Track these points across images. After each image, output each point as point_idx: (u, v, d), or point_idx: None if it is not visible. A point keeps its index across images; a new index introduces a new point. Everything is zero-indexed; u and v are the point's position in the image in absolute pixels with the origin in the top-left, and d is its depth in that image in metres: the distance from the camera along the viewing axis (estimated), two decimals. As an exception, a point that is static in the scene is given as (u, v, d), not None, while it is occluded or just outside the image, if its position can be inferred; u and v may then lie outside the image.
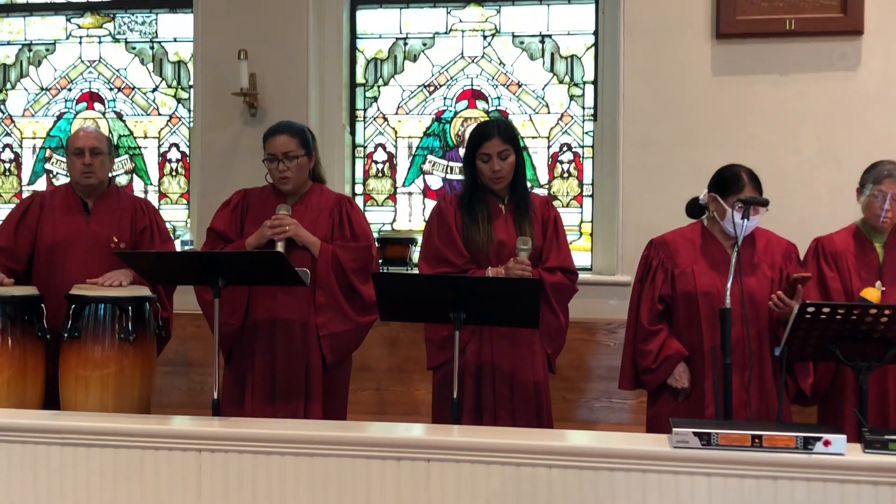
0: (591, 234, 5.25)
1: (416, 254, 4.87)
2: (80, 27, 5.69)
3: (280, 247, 3.48)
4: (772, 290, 3.33)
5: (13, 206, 5.68)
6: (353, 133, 5.45)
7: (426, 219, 3.76)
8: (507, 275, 3.42)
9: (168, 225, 5.51)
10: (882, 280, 3.42)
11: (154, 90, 5.63)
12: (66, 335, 3.53)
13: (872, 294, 3.29)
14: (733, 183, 3.34)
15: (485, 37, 5.37)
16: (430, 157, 5.41)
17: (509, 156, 3.52)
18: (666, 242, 3.48)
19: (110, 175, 4.06)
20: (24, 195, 5.69)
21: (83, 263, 3.77)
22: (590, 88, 5.27)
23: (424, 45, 5.42)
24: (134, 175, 5.64)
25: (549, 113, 5.32)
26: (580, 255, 5.25)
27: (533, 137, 5.33)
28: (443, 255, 3.52)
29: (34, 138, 5.74)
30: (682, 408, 3.38)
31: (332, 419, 3.53)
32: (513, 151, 3.53)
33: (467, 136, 3.69)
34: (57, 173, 5.68)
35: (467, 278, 3.36)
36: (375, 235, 5.00)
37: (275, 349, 3.57)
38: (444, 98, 5.40)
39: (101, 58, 5.66)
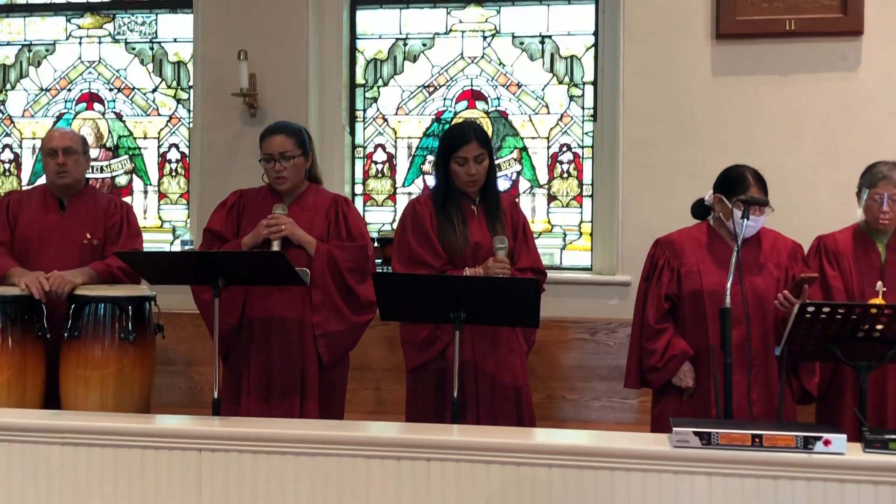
0: (591, 234, 5.25)
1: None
2: (79, 27, 5.69)
3: (276, 246, 3.48)
4: (778, 289, 3.33)
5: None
6: (352, 133, 5.45)
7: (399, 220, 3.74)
8: (486, 274, 3.43)
9: (168, 225, 5.55)
10: (883, 280, 3.41)
11: (154, 91, 5.63)
12: (66, 335, 3.53)
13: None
14: (738, 183, 3.34)
15: (485, 37, 5.37)
16: (429, 157, 5.41)
17: (484, 159, 3.54)
18: (672, 242, 3.48)
19: (91, 175, 4.05)
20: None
21: (56, 261, 3.76)
22: (590, 89, 5.27)
23: (424, 45, 5.42)
24: (134, 175, 5.64)
25: (548, 113, 5.32)
26: (580, 255, 5.27)
27: (533, 138, 5.33)
28: (419, 256, 3.52)
29: (34, 138, 5.73)
30: (687, 407, 3.38)
31: (329, 418, 3.53)
32: (487, 155, 3.56)
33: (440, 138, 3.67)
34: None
35: (469, 278, 3.36)
36: (375, 235, 5.02)
37: (271, 348, 3.57)
38: (444, 98, 5.40)
39: (100, 58, 5.66)
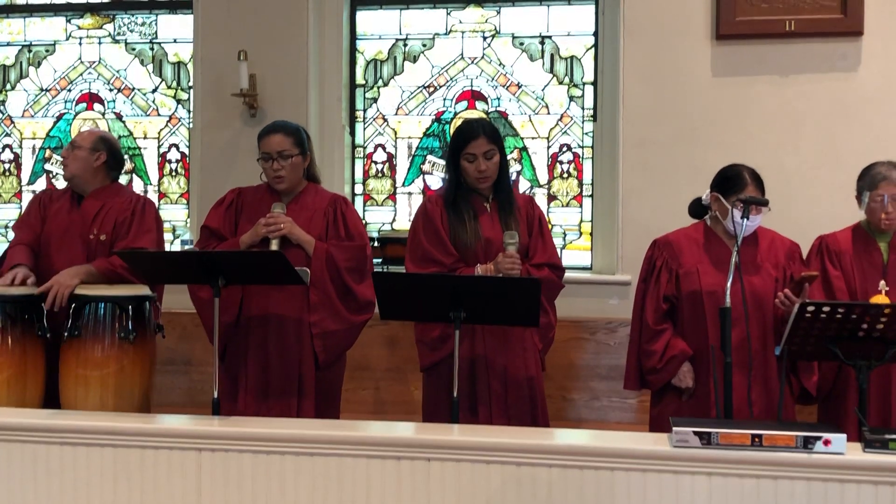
0: (591, 234, 5.25)
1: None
2: (79, 28, 5.69)
3: (274, 245, 3.48)
4: (776, 289, 3.32)
5: (13, 206, 5.74)
6: (352, 133, 5.45)
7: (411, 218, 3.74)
8: (496, 269, 3.42)
9: (168, 224, 5.55)
10: (886, 280, 3.41)
11: (154, 91, 5.63)
12: (66, 334, 3.53)
13: (883, 302, 3.27)
14: (735, 182, 3.34)
15: (484, 38, 5.37)
16: (429, 157, 5.41)
17: (494, 155, 3.53)
18: (670, 242, 3.48)
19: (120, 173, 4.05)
20: (24, 195, 5.71)
21: (67, 258, 3.74)
22: (589, 89, 5.27)
23: (424, 45, 5.42)
24: (134, 175, 5.64)
25: (548, 113, 5.32)
26: (580, 255, 5.27)
27: (533, 138, 5.33)
28: (430, 254, 3.52)
29: (34, 139, 5.74)
30: (686, 407, 3.37)
31: (325, 418, 3.52)
32: (497, 151, 3.54)
33: (451, 134, 3.67)
34: (57, 174, 5.68)
35: (468, 277, 3.36)
36: (375, 235, 5.02)
37: (268, 346, 3.57)
38: (444, 99, 5.40)
39: (100, 59, 5.67)
